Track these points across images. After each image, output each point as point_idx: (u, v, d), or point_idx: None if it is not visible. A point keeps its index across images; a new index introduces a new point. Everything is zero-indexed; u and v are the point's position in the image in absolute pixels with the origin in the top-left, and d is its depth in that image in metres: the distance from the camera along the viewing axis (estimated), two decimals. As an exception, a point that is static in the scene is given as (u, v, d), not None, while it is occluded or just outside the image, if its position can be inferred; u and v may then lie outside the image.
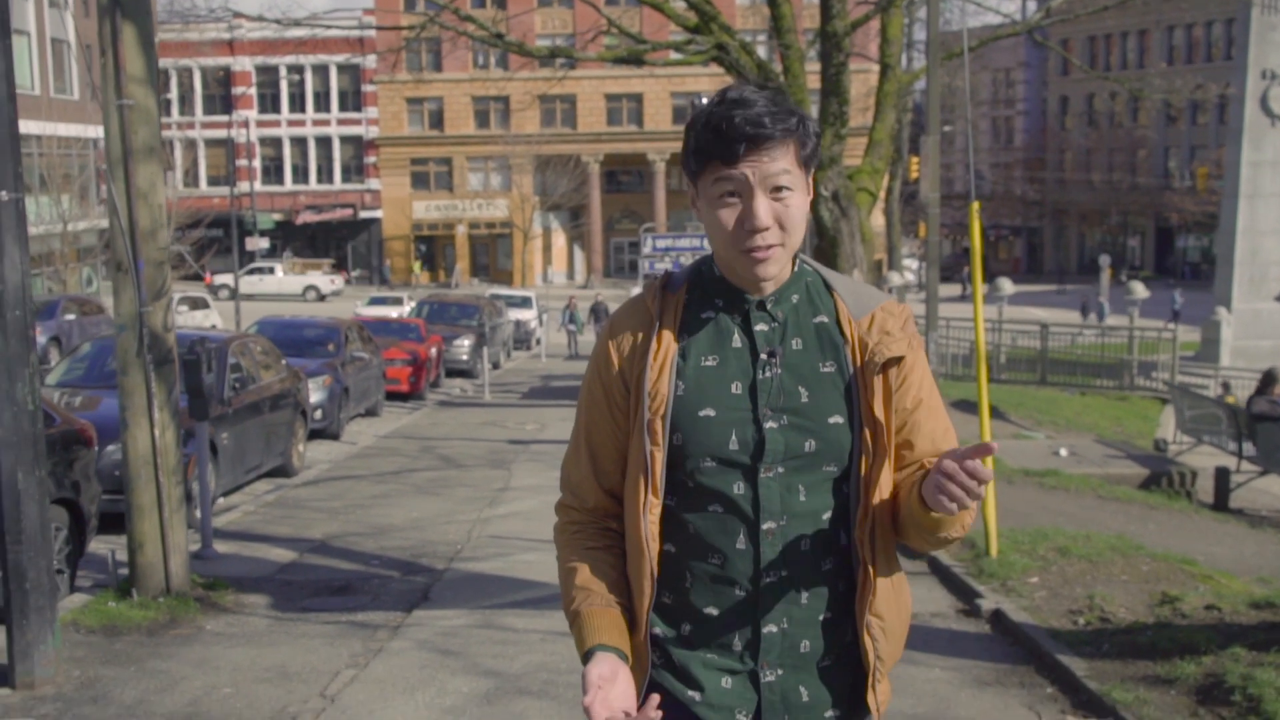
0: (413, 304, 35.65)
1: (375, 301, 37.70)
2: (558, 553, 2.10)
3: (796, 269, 2.05)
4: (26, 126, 30.13)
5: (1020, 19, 29.65)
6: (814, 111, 16.39)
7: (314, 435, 14.06)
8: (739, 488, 1.95)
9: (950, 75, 28.31)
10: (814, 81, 16.42)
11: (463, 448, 13.86)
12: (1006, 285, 29.09)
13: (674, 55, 18.07)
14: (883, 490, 1.98)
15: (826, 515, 1.98)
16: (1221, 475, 12.30)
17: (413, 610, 6.88)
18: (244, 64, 55.91)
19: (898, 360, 1.99)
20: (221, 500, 10.26)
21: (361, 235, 58.30)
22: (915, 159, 28.30)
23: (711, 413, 1.96)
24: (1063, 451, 12.99)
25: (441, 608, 6.94)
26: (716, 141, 1.90)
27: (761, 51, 24.44)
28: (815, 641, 1.99)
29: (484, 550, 8.47)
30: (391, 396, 18.57)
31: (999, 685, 5.52)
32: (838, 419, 1.97)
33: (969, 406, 13.18)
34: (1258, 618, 5.79)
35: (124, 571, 7.09)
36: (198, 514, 8.59)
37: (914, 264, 46.14)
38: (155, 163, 6.92)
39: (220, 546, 8.37)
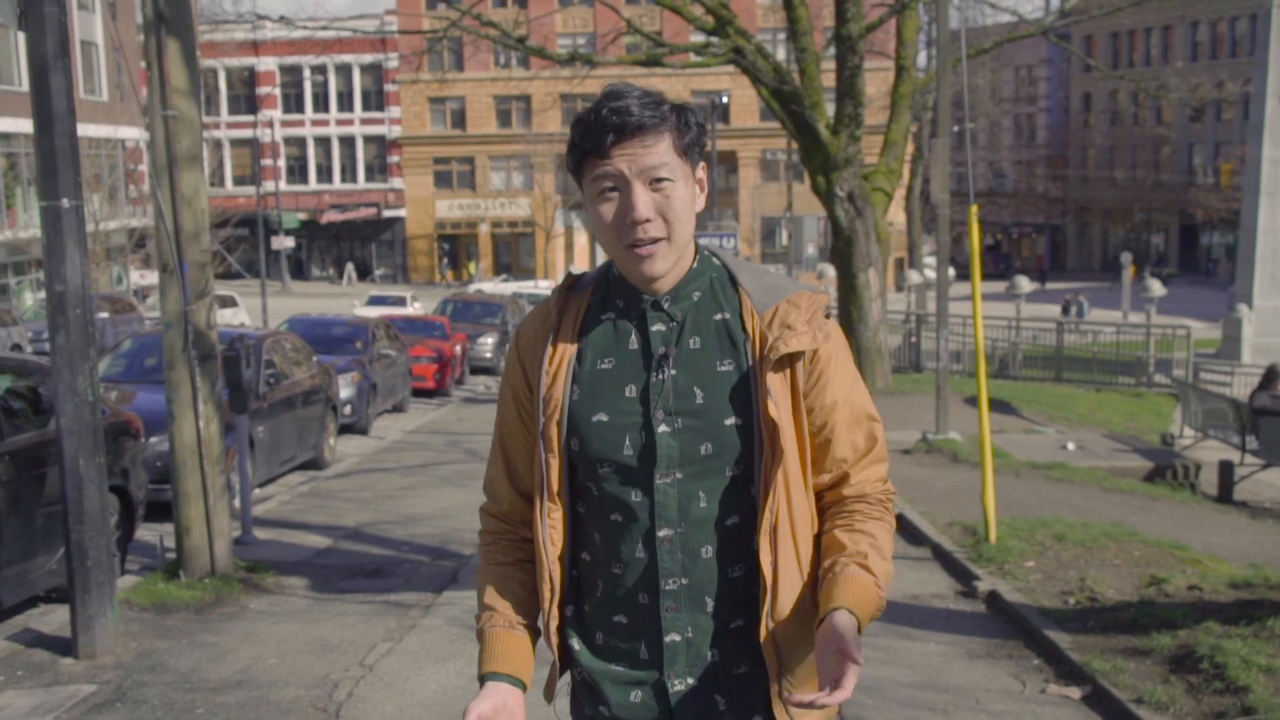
0: (418, 304, 35.00)
1: (375, 301, 33.90)
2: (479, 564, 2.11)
3: (698, 264, 1.97)
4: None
5: (1044, 14, 29.85)
6: (830, 112, 16.73)
7: (344, 430, 14.51)
8: (636, 495, 1.90)
9: (969, 73, 28.51)
10: (830, 81, 16.74)
11: (487, 442, 14.13)
12: (1024, 283, 29.28)
13: (693, 57, 18.42)
14: (793, 493, 1.89)
15: (732, 521, 1.91)
16: (1225, 468, 12.57)
17: (442, 591, 7.31)
18: (268, 64, 56.61)
19: (803, 355, 1.90)
20: (258, 491, 10.71)
21: (385, 234, 58.94)
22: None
23: (604, 417, 1.91)
24: (1070, 445, 13.25)
25: (470, 589, 7.34)
26: (587, 135, 1.87)
27: (780, 52, 24.73)
28: (724, 649, 1.92)
29: (508, 537, 8.86)
30: (418, 393, 19.06)
31: (989, 658, 5.90)
32: (734, 420, 1.89)
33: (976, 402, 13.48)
34: (1234, 596, 6.14)
35: (170, 555, 7.56)
36: (237, 503, 9.05)
37: (934, 262, 46.34)
38: (198, 169, 7.36)
39: (259, 533, 8.84)
